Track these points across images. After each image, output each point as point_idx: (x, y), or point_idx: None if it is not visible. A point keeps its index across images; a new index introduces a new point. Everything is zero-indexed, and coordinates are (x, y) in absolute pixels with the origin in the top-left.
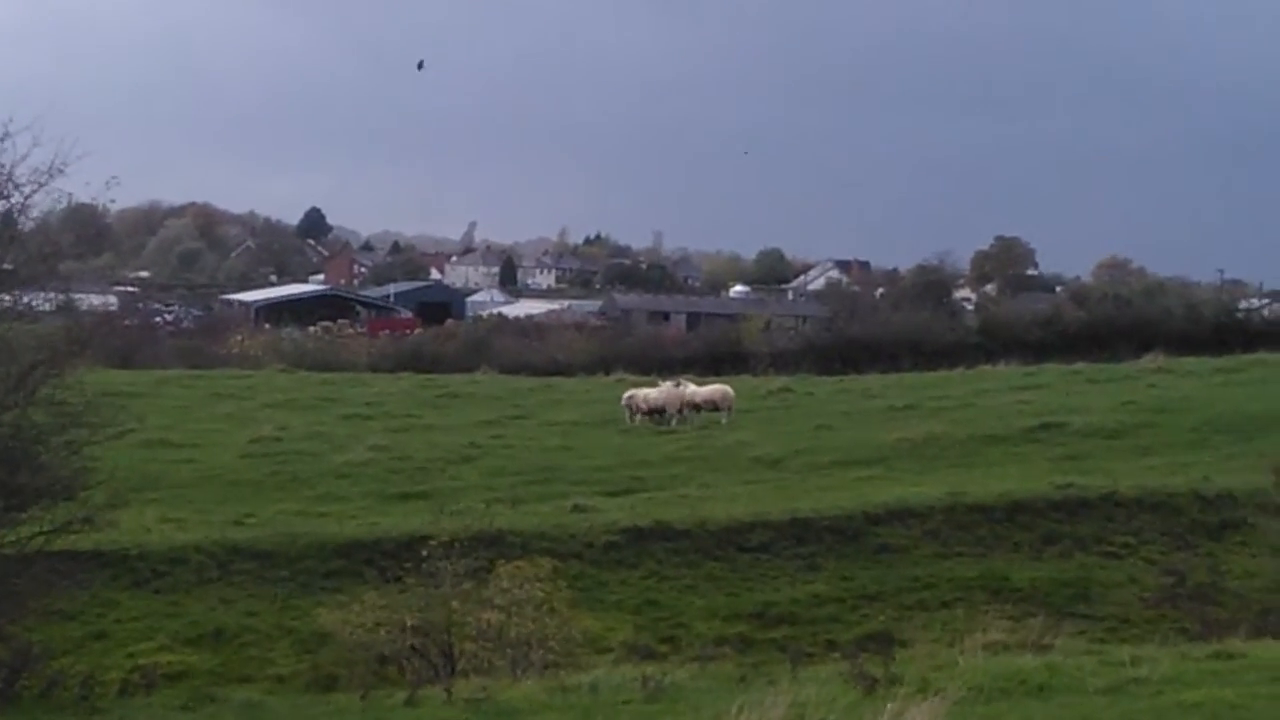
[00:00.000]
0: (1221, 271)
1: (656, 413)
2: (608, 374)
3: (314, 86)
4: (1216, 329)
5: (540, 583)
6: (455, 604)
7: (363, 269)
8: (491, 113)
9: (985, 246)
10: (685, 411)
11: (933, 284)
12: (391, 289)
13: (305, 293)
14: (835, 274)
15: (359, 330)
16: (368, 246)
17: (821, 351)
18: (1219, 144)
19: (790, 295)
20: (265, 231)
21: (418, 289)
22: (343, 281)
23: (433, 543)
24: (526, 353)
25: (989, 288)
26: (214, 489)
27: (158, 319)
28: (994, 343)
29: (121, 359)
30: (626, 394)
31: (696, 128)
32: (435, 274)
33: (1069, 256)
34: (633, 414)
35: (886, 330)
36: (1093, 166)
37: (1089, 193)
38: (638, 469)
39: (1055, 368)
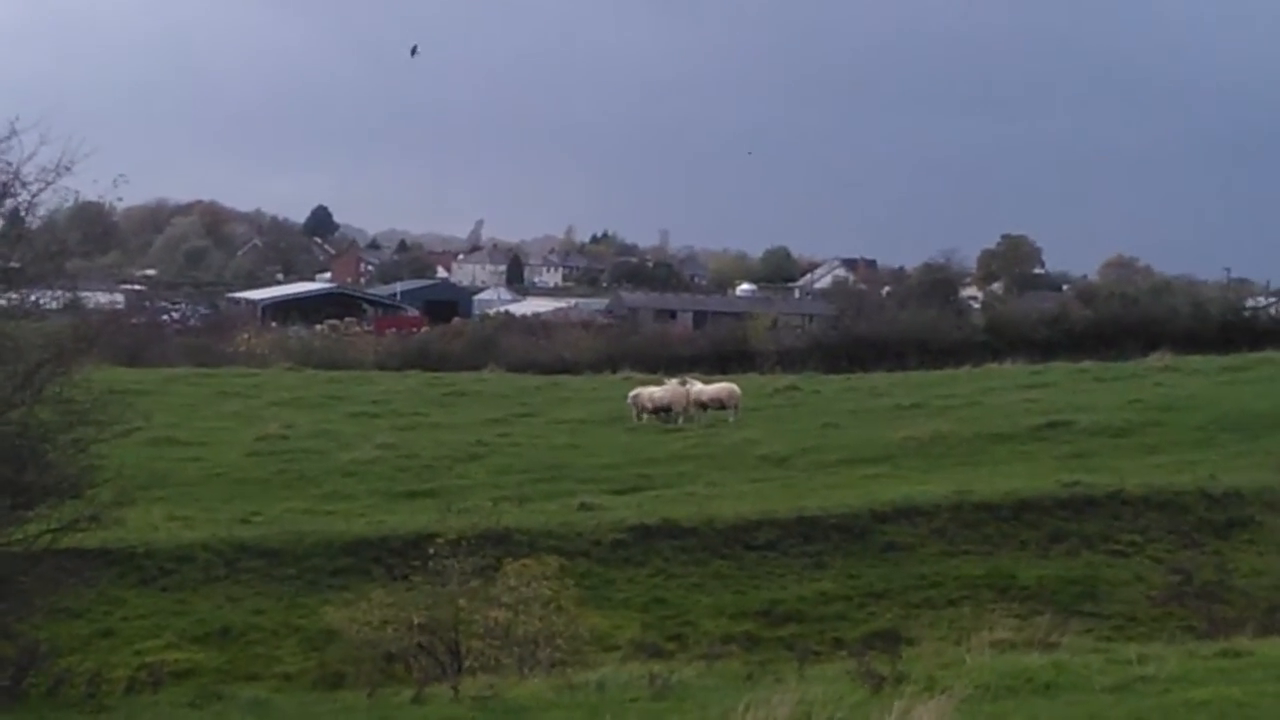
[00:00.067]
0: (1228, 270)
1: (663, 411)
2: (614, 372)
3: (318, 84)
4: (1223, 327)
5: (547, 581)
6: (462, 602)
7: (369, 267)
8: (499, 111)
9: (992, 245)
10: (692, 410)
11: (939, 282)
12: (398, 287)
13: (312, 291)
14: (842, 272)
15: (366, 328)
16: (374, 245)
17: (828, 350)
18: (1224, 142)
19: (797, 294)
20: (272, 230)
21: (424, 287)
22: (349, 280)
23: (440, 541)
24: (533, 351)
25: (995, 286)
26: (221, 487)
27: (164, 317)
28: (1000, 341)
29: (128, 357)
30: (632, 393)
31: (702, 126)
32: (442, 272)
33: (1075, 255)
34: (639, 412)
35: (893, 329)
36: (1098, 165)
37: (1095, 192)
38: (645, 467)
39: (1062, 366)
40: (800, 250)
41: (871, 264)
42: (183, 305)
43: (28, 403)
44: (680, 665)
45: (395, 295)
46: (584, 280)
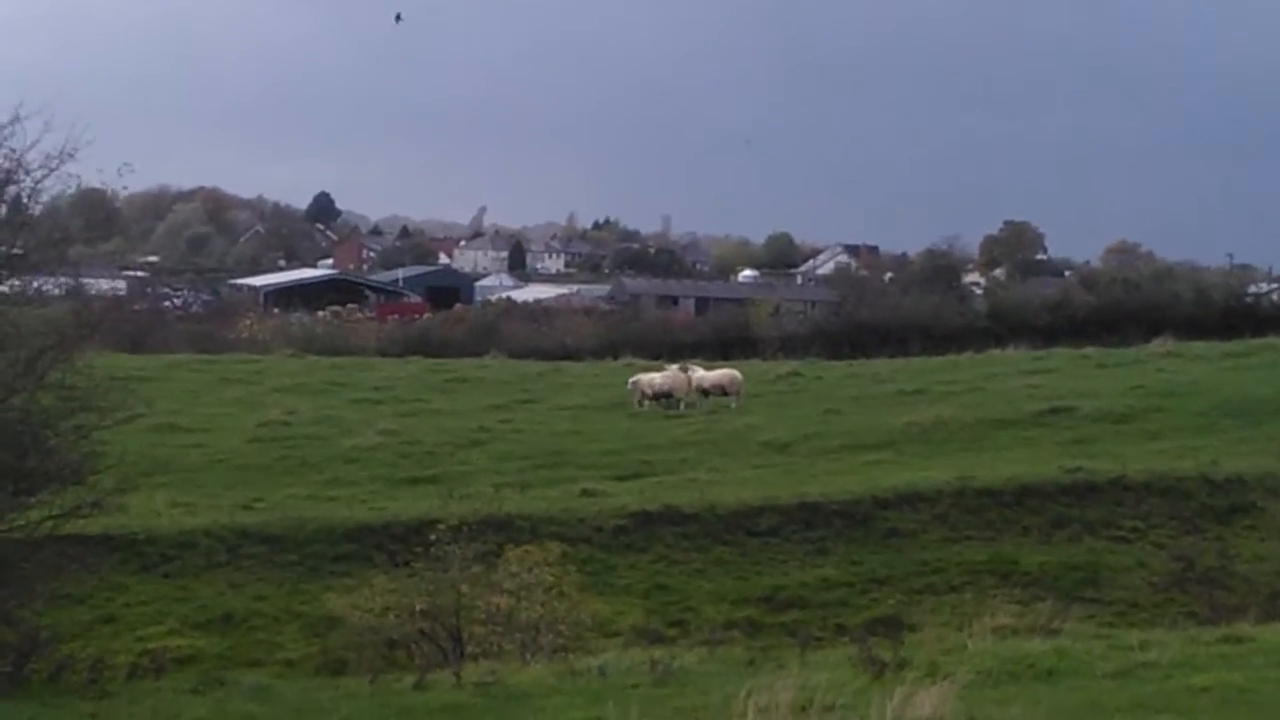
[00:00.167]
0: (1230, 256)
1: (663, 397)
2: (616, 358)
3: (320, 71)
4: (1225, 313)
5: (549, 567)
6: (464, 588)
7: (371, 253)
8: (501, 97)
9: (994, 231)
10: (693, 396)
11: (942, 268)
12: (400, 273)
13: (314, 277)
14: (844, 258)
15: (368, 315)
16: (376, 231)
17: (830, 336)
18: (1225, 130)
19: (799, 280)
20: (274, 216)
21: (426, 273)
22: (351, 266)
23: (441, 527)
24: (535, 337)
25: (998, 272)
26: (223, 473)
27: (166, 303)
28: (1003, 327)
29: (131, 343)
30: (632, 379)
31: (705, 113)
32: (444, 259)
33: (1078, 241)
34: (641, 399)
35: (895, 315)
36: (1099, 156)
37: (1097, 180)
38: (646, 453)
39: (1064, 352)
40: (803, 236)
41: (874, 250)
42: (185, 292)
43: (30, 389)
44: (682, 651)
45: (397, 281)
46: (586, 266)
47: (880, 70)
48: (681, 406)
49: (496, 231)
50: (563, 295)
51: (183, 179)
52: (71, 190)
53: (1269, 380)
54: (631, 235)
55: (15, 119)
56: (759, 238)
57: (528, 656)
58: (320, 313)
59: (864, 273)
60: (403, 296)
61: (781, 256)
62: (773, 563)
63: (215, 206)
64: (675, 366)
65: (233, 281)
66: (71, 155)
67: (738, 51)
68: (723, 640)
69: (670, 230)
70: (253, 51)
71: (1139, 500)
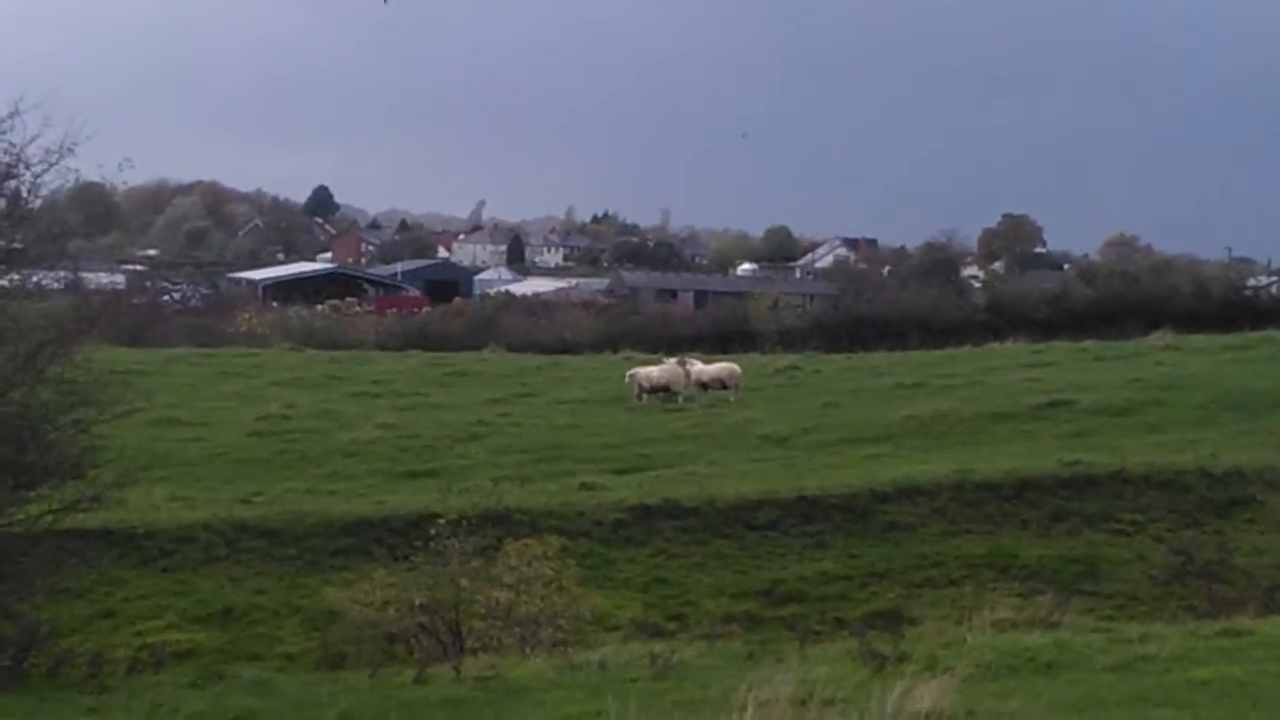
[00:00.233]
0: (1229, 249)
1: (661, 391)
2: (615, 352)
3: (319, 65)
4: (1224, 306)
5: (548, 561)
6: (464, 582)
7: (370, 247)
8: (500, 91)
9: (993, 224)
10: (692, 389)
11: (940, 262)
12: (399, 267)
13: (313, 271)
14: (843, 252)
15: (366, 309)
16: (375, 225)
17: (829, 329)
18: (1225, 122)
19: (798, 273)
20: (273, 210)
21: (425, 267)
22: (350, 260)
23: (441, 521)
24: (534, 331)
25: (997, 265)
26: (222, 467)
27: (165, 297)
28: (1002, 320)
29: (129, 337)
30: (629, 372)
31: (703, 106)
32: (443, 252)
33: (1076, 234)
34: (639, 392)
35: (894, 308)
36: (1098, 146)
37: (1096, 172)
38: (646, 447)
39: (1063, 345)
40: (801, 230)
41: (873, 243)
42: (183, 285)
43: (29, 383)
44: (681, 645)
45: (396, 275)
46: (585, 260)
47: (879, 64)
48: (680, 400)
49: (495, 225)
50: (561, 289)
51: (181, 173)
52: (70, 184)
53: (1268, 373)
54: (630, 229)
55: (15, 112)
56: (758, 231)
57: (527, 650)
58: (319, 306)
59: (862, 266)
60: (401, 290)
61: (780, 250)
62: (772, 556)
63: (214, 200)
64: (673, 360)
65: (231, 275)
66: (72, 150)
67: (737, 45)
68: (722, 634)
69: (669, 224)
70: (252, 45)
71: (1138, 493)
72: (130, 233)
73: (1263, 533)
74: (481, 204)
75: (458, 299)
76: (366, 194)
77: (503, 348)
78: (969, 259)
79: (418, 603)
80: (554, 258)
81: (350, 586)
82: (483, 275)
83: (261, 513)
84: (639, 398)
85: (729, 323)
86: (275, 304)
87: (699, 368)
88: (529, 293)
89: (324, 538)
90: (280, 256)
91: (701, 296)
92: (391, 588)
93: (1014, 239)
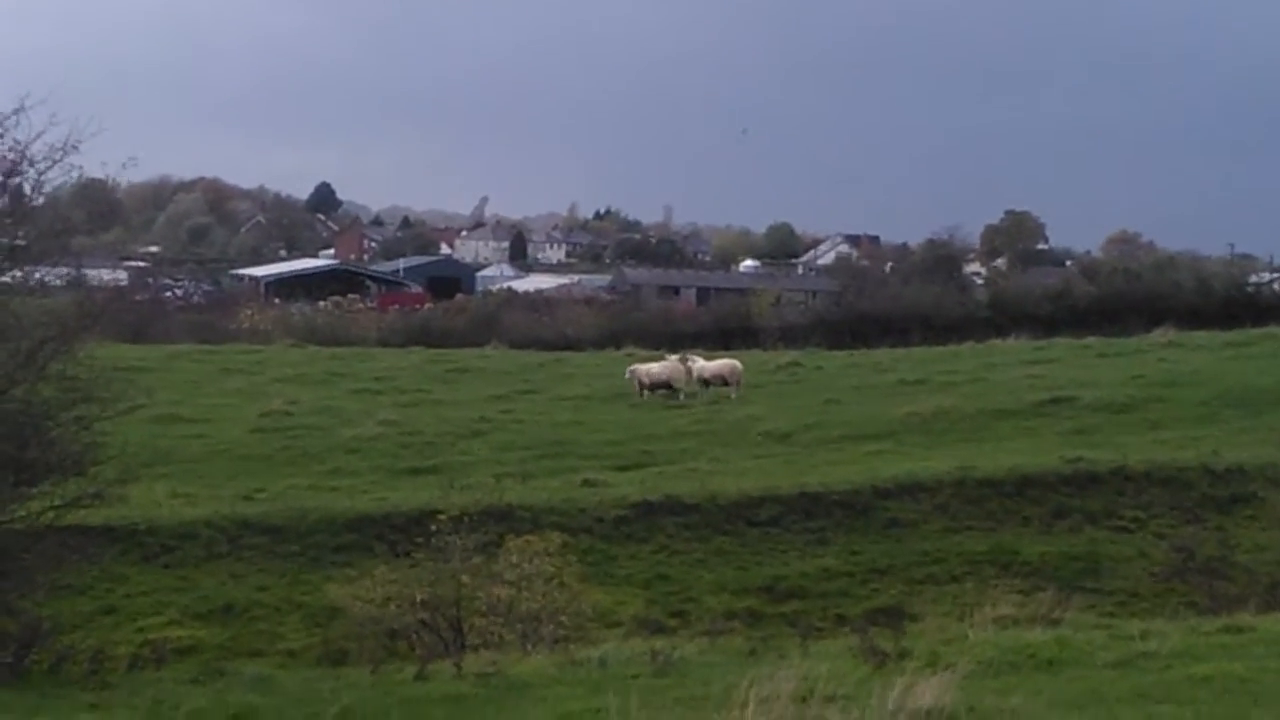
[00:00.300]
0: (1232, 245)
1: (661, 387)
2: (618, 349)
3: (321, 62)
4: (1226, 303)
5: (550, 557)
6: (465, 578)
7: (373, 244)
8: (502, 88)
9: (995, 221)
10: (694, 385)
11: (942, 258)
12: (401, 264)
13: (315, 268)
14: (845, 248)
15: (369, 305)
16: (378, 221)
17: (831, 326)
18: (1226, 119)
19: (800, 270)
20: (275, 206)
21: (427, 264)
22: (352, 256)
23: (442, 517)
24: (536, 327)
25: (999, 262)
26: (224, 464)
27: (168, 294)
28: (1004, 317)
29: (132, 334)
30: (629, 369)
31: (705, 103)
32: (445, 249)
33: (1079, 231)
34: (641, 389)
35: (896, 305)
36: (1100, 142)
37: (1098, 168)
38: (648, 443)
39: (1065, 342)
40: (803, 226)
41: (875, 240)
42: (186, 282)
43: (31, 380)
44: (683, 641)
45: (398, 272)
46: (587, 257)
47: (881, 61)
48: (681, 396)
49: (498, 222)
50: (564, 285)
51: (184, 169)
52: (73, 181)
53: (1270, 370)
54: (633, 225)
55: (20, 109)
56: (760, 228)
57: (529, 647)
58: (321, 303)
59: (865, 263)
60: (404, 287)
61: (782, 246)
62: (773, 553)
63: (216, 197)
64: (675, 357)
65: (234, 272)
66: (76, 147)
67: (739, 41)
68: (723, 630)
69: (671, 220)
70: (254, 41)
71: (1140, 490)
72: (132, 229)
73: (1264, 529)
74: (484, 200)
75: (460, 295)
76: (369, 191)
77: (505, 344)
78: (971, 256)
79: (419, 599)
80: (556, 254)
81: (352, 583)
82: (485, 272)
83: (263, 509)
84: (641, 394)
85: (731, 319)
86: (277, 300)
87: (700, 364)
88: (531, 289)
89: (326, 534)
90: (282, 253)
91: (704, 293)
92: (393, 584)
93: (1016, 236)
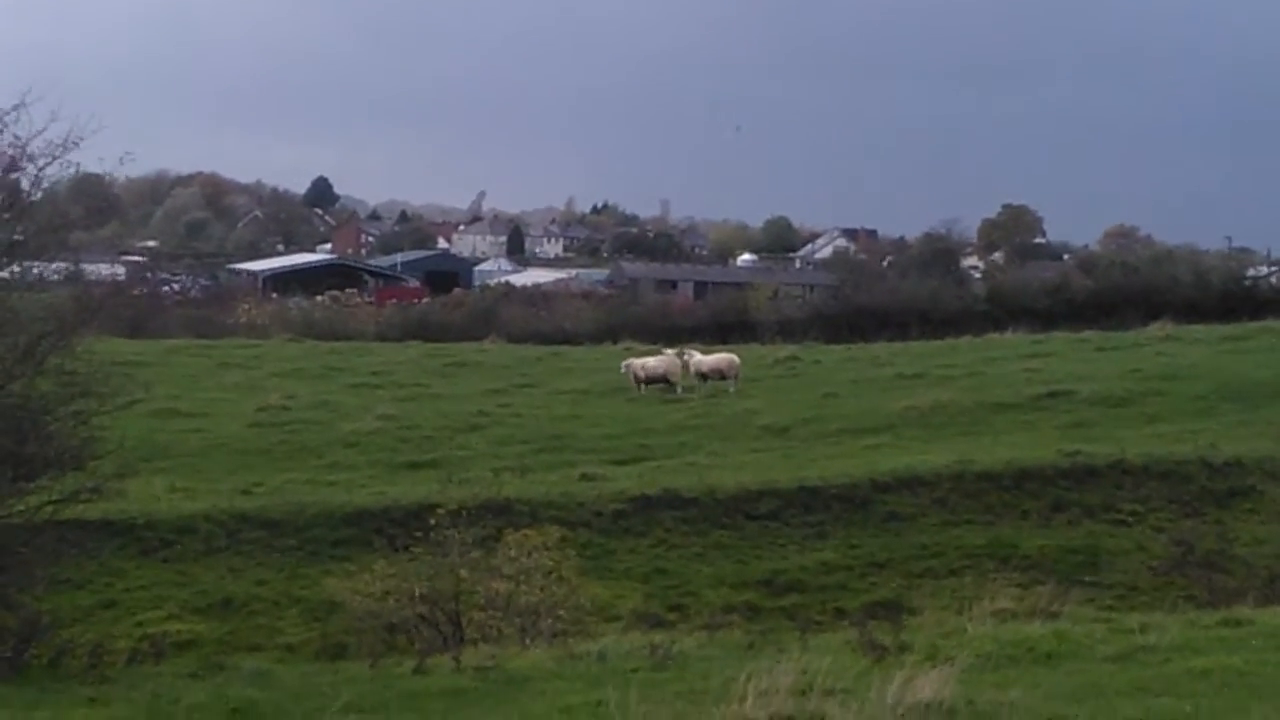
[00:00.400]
0: (1229, 239)
1: (657, 381)
2: (615, 343)
3: (319, 56)
4: (1224, 296)
5: (548, 551)
6: (464, 573)
7: (370, 238)
8: (500, 82)
9: (993, 215)
10: (691, 379)
11: (940, 252)
12: (399, 258)
13: (313, 262)
14: (843, 242)
15: (366, 299)
16: (375, 216)
17: (829, 320)
18: (1224, 112)
19: (798, 264)
20: (272, 201)
21: (425, 258)
22: (350, 251)
23: (441, 511)
24: (534, 321)
25: (997, 256)
26: (222, 458)
27: (165, 289)
28: (1002, 311)
29: (130, 329)
30: (624, 362)
31: (703, 97)
32: (443, 243)
33: (1076, 225)
34: (637, 383)
35: (894, 298)
36: (1098, 135)
37: (1096, 161)
38: (646, 437)
39: (1063, 336)
40: (801, 220)
41: (872, 234)
42: (183, 277)
43: (29, 375)
44: (681, 635)
45: (396, 266)
46: (585, 251)
47: (878, 54)
48: (679, 390)
49: (495, 216)
50: (561, 279)
51: (181, 164)
52: (70, 174)
53: (1268, 363)
54: (630, 219)
55: (20, 104)
56: (757, 222)
57: (527, 641)
58: (319, 297)
59: (862, 256)
60: (401, 281)
61: (780, 240)
62: (772, 546)
63: (214, 191)
64: (672, 351)
65: (231, 266)
66: (76, 144)
67: (737, 35)
68: (722, 624)
69: (669, 214)
70: (251, 36)
71: (1138, 484)
72: (130, 224)
73: (1263, 523)
74: (481, 195)
75: (457, 290)
76: (366, 185)
77: (503, 338)
78: (969, 249)
79: (418, 593)
80: (554, 248)
81: (350, 577)
82: (482, 266)
83: (262, 503)
84: (639, 389)
85: (729, 313)
86: (275, 295)
87: (698, 358)
88: (529, 283)
89: (324, 528)
90: (280, 248)
91: (701, 287)
92: (391, 578)
93: (1014, 229)
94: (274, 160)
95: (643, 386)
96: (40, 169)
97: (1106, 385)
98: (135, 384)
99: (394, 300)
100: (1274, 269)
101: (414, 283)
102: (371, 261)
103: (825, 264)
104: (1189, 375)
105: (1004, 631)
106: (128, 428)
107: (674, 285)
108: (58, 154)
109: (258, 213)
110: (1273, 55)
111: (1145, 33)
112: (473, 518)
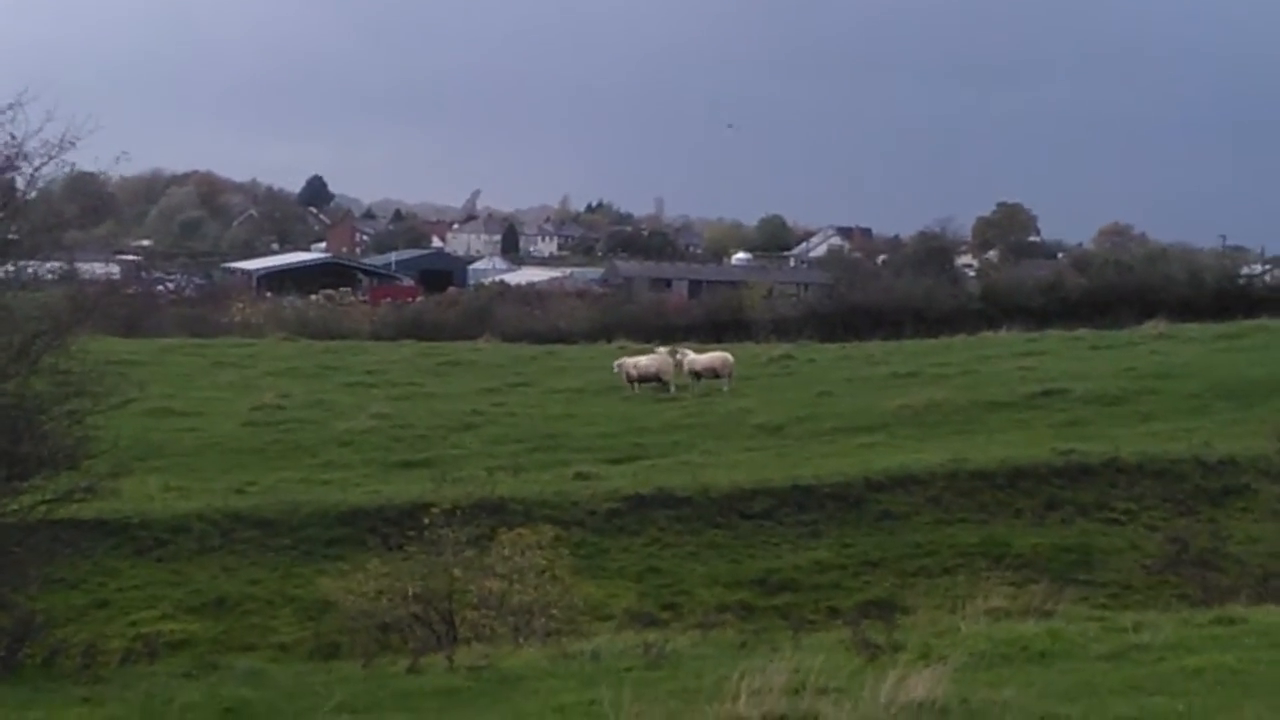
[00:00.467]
0: (1223, 237)
1: (649, 380)
2: (609, 341)
3: (314, 55)
4: (1218, 295)
5: (542, 550)
6: (457, 572)
7: (364, 237)
8: (493, 81)
9: (987, 213)
10: (684, 378)
11: (935, 250)
12: (393, 257)
13: (307, 261)
14: (837, 241)
15: (361, 298)
16: (370, 215)
17: (823, 318)
18: (1220, 111)
19: (792, 262)
20: (267, 200)
21: (419, 257)
22: (344, 250)
23: (435, 510)
24: (528, 320)
25: (991, 254)
26: (216, 457)
27: (160, 288)
28: (996, 309)
29: (124, 328)
30: (617, 362)
31: (698, 96)
32: (437, 242)
33: (1071, 223)
34: (629, 381)
35: (888, 297)
36: (1093, 133)
37: (1090, 160)
38: (640, 436)
39: (1057, 334)
40: (795, 219)
41: (867, 232)
42: (178, 276)
43: (23, 374)
44: (675, 634)
45: (390, 265)
46: (579, 250)
47: (874, 52)
48: (671, 389)
49: (489, 215)
50: (556, 278)
51: (176, 163)
52: (65, 173)
53: (1261, 362)
54: (624, 218)
55: (15, 104)
56: (752, 220)
57: (521, 640)
58: (313, 296)
59: (857, 255)
60: (396, 280)
61: (774, 239)
62: (766, 545)
63: (208, 190)
64: (665, 349)
65: (226, 265)
66: (72, 144)
67: (733, 33)
68: (716, 623)
69: (663, 213)
70: (247, 35)
71: (1132, 482)
72: (125, 223)
73: (1256, 521)
74: (476, 194)
75: (452, 289)
76: (361, 184)
77: (497, 337)
78: (963, 248)
79: (411, 592)
80: (548, 247)
81: (344, 576)
82: (477, 265)
83: (256, 503)
84: (633, 388)
85: (723, 312)
86: (269, 294)
87: (691, 357)
88: (523, 282)
89: (318, 528)
90: (274, 246)
91: (696, 286)
92: (385, 578)
93: (1008, 228)
94: (269, 159)
95: (636, 385)
96: (36, 168)
97: (1100, 384)
98: (130, 383)
99: (388, 299)
100: (1268, 267)
101: (408, 282)
102: (366, 260)
103: (820, 263)
104: (1183, 374)
105: (997, 630)
106: (122, 427)
107: (668, 284)
108: (53, 154)
109: (253, 211)
110: (1270, 55)
111: (1144, 32)
112: (466, 517)
